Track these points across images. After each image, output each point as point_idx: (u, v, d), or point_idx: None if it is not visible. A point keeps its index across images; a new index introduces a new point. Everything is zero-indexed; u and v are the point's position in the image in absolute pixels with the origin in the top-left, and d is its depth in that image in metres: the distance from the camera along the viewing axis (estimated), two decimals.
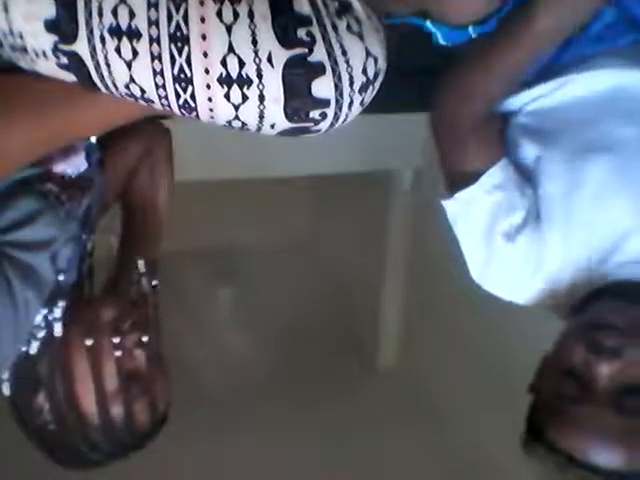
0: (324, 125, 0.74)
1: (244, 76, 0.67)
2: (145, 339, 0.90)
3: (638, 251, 0.83)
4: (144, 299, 0.97)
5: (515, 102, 0.94)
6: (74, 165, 0.88)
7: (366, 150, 2.21)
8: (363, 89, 0.73)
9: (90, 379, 0.86)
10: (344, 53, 0.70)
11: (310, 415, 2.67)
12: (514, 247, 0.87)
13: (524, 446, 0.90)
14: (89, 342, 0.86)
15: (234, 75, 0.67)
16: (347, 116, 0.74)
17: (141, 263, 0.98)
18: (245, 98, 0.69)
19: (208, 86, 0.68)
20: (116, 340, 0.87)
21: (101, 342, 0.87)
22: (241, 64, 0.67)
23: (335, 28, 0.69)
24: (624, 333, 0.77)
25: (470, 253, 0.92)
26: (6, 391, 0.88)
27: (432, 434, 2.68)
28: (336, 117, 0.73)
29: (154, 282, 0.99)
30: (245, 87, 0.68)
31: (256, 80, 0.68)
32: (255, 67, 0.67)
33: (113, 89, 0.72)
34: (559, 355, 0.84)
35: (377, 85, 0.75)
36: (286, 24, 0.67)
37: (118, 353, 0.87)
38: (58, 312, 0.86)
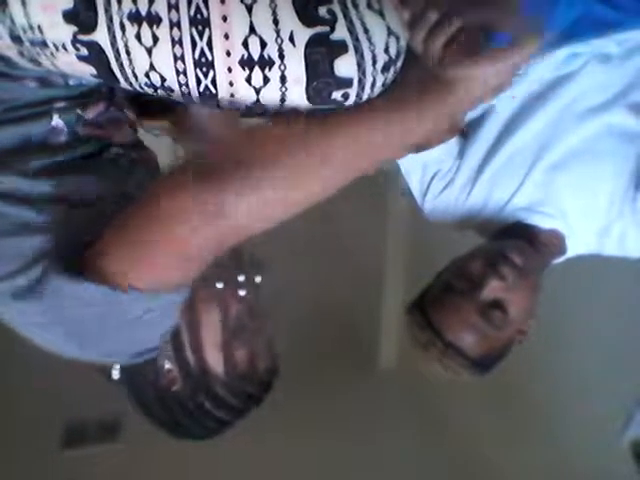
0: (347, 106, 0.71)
1: (266, 57, 0.66)
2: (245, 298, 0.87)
3: (525, 201, 1.13)
4: None
5: None
6: (126, 138, 0.86)
7: None
8: (386, 68, 0.71)
9: (216, 322, 0.84)
10: (366, 31, 0.68)
11: (309, 415, 2.66)
12: (441, 197, 1.21)
13: (407, 311, 1.12)
14: (219, 285, 0.85)
15: (256, 57, 0.66)
16: (369, 97, 0.73)
17: None
18: (267, 80, 0.67)
19: (230, 69, 0.67)
20: (236, 281, 0.86)
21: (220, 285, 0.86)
22: (263, 45, 0.66)
23: (356, 5, 0.67)
24: (516, 268, 1.04)
25: (415, 196, 1.26)
26: (116, 375, 0.86)
27: (432, 434, 2.68)
28: (359, 97, 0.71)
29: None
30: (267, 69, 0.67)
31: (278, 61, 0.66)
32: (277, 47, 0.66)
33: (132, 79, 0.71)
34: (466, 260, 1.09)
35: (399, 65, 0.73)
36: (306, 2, 0.65)
37: (242, 292, 0.86)
38: None
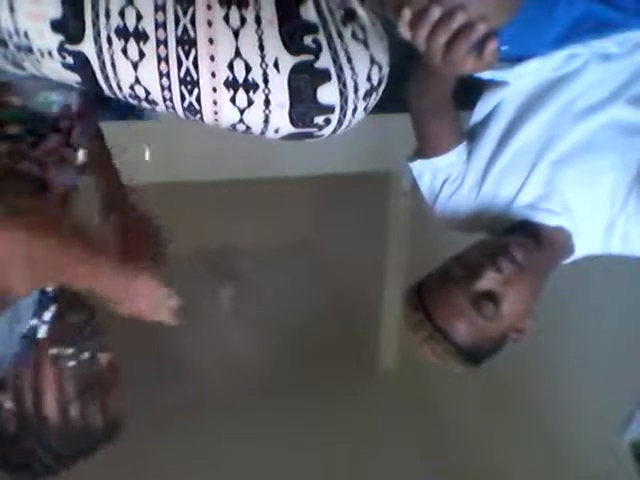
0: (327, 130, 0.75)
1: (250, 80, 0.68)
2: (108, 356, 0.89)
3: (530, 199, 1.14)
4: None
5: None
6: (66, 179, 0.87)
7: (366, 150, 2.21)
8: (367, 95, 0.74)
9: (53, 384, 0.87)
10: (349, 60, 0.70)
11: (310, 416, 2.67)
12: (451, 200, 1.22)
13: (405, 293, 1.13)
14: (53, 351, 0.87)
15: (240, 79, 0.68)
16: (350, 122, 0.75)
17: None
18: (250, 102, 0.69)
19: (214, 89, 0.69)
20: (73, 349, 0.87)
21: (62, 351, 0.87)
22: (247, 69, 0.68)
23: (341, 36, 0.70)
24: (515, 263, 1.04)
25: (426, 199, 1.26)
26: None
27: (432, 435, 2.68)
28: (340, 123, 0.74)
29: None
30: (251, 91, 0.69)
31: (262, 85, 0.68)
32: (261, 72, 0.68)
33: (117, 90, 0.72)
34: (468, 249, 1.11)
35: (380, 91, 0.76)
36: (293, 31, 0.67)
37: (73, 363, 0.87)
38: (47, 316, 0.86)
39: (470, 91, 1.20)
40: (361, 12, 0.73)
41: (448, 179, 1.20)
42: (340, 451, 2.56)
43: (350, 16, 0.71)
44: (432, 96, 1.10)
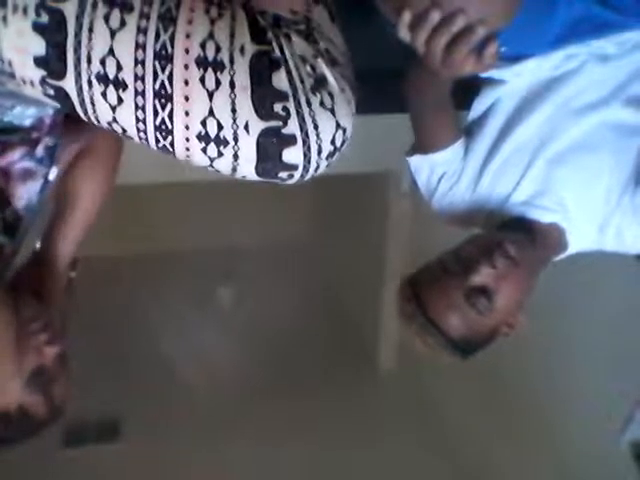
0: (291, 181, 0.81)
1: (221, 137, 0.73)
2: (55, 349, 0.89)
3: (525, 196, 1.15)
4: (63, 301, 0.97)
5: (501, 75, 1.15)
6: (27, 194, 0.87)
7: (366, 151, 2.21)
8: (330, 156, 0.80)
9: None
10: (316, 127, 0.76)
11: (310, 416, 2.67)
12: (448, 196, 1.22)
13: (399, 284, 1.16)
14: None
15: (212, 135, 0.73)
16: (312, 176, 0.81)
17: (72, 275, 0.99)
18: (220, 154, 0.74)
19: (187, 139, 0.73)
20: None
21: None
22: (220, 127, 0.72)
23: (309, 104, 0.74)
24: (509, 259, 1.06)
25: (423, 194, 1.27)
26: None
27: (432, 434, 2.68)
28: (302, 177, 0.80)
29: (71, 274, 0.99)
30: (221, 146, 0.73)
31: (232, 142, 0.73)
32: (232, 132, 0.72)
33: (95, 122, 0.76)
34: (464, 244, 1.12)
35: (344, 149, 0.82)
36: (264, 97, 0.72)
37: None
38: None
39: (467, 89, 1.20)
40: (331, 80, 0.77)
41: (445, 175, 1.21)
42: (340, 451, 2.57)
43: (320, 83, 0.76)
44: (430, 95, 1.11)
